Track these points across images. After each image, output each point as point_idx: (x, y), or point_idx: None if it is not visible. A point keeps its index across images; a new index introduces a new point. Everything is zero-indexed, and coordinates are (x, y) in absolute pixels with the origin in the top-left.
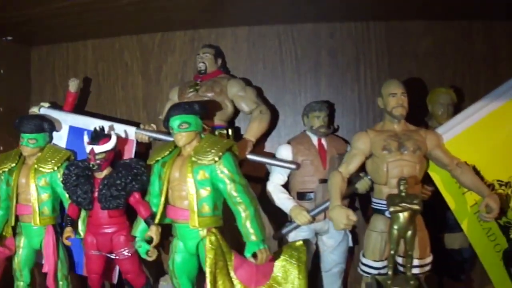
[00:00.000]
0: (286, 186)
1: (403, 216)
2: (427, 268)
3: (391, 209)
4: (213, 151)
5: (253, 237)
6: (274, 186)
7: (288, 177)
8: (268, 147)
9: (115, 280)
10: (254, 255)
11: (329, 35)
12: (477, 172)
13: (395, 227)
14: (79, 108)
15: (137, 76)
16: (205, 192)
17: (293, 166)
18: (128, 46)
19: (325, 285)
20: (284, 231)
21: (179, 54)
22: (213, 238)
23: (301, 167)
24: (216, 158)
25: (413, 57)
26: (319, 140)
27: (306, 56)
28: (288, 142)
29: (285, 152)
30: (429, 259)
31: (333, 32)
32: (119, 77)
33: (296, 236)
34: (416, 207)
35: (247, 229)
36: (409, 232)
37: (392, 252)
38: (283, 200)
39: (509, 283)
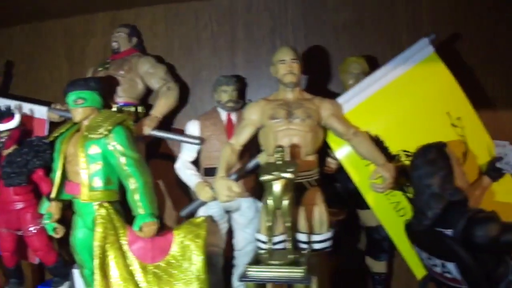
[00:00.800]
0: (197, 163)
1: (276, 185)
2: (323, 245)
3: (262, 178)
4: (104, 125)
5: (141, 210)
6: (182, 163)
7: (198, 154)
8: (183, 124)
9: (35, 260)
10: (141, 228)
11: (245, 9)
12: (380, 143)
13: (269, 197)
14: (7, 92)
15: (62, 60)
16: (96, 166)
17: (195, 141)
18: (53, 30)
19: (239, 264)
20: (187, 209)
21: (101, 36)
22: (102, 211)
23: (208, 142)
24: (106, 132)
25: (331, 29)
26: (228, 115)
27: (222, 32)
28: (198, 119)
29: (192, 127)
30: (324, 235)
31: (249, 6)
32: (46, 61)
33: (205, 213)
34: (288, 175)
35: (135, 202)
36: (284, 202)
37: (269, 223)
38: (189, 176)
39: (417, 260)
